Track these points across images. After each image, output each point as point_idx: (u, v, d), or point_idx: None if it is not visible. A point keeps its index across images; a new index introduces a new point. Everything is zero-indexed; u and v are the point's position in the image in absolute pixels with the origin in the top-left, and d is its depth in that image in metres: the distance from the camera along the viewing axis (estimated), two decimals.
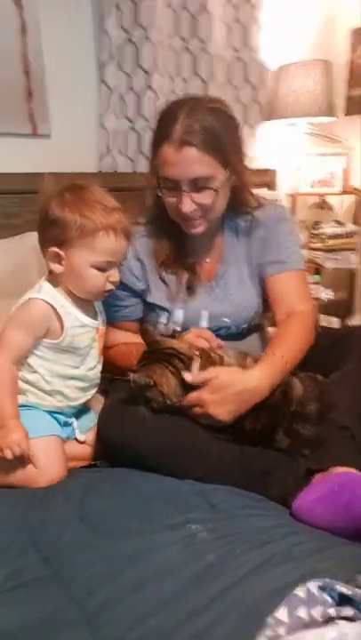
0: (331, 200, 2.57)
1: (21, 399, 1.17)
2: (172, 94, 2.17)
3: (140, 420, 1.10)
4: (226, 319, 1.36)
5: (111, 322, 1.32)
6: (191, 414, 1.11)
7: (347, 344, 1.27)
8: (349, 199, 2.59)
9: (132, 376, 1.09)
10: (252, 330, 1.42)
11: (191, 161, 1.15)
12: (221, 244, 1.37)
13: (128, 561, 0.84)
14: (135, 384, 1.10)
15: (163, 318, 1.35)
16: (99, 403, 1.29)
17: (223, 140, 1.17)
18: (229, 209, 1.30)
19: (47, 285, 1.16)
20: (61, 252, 1.11)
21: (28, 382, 1.18)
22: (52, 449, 1.15)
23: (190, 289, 1.34)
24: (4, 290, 1.64)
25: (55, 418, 1.21)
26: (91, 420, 1.28)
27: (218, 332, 1.36)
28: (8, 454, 1.06)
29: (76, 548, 0.88)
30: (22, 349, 1.15)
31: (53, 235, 1.11)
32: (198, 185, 1.18)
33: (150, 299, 1.35)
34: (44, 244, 1.14)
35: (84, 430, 1.26)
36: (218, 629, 0.72)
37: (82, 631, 0.72)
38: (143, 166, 2.11)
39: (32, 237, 1.77)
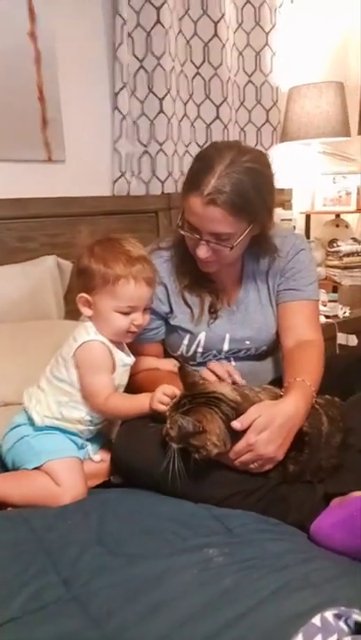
0: (346, 218, 2.57)
1: (47, 421, 1.22)
2: (185, 118, 2.21)
3: (156, 444, 1.09)
4: (247, 342, 1.36)
5: (135, 345, 1.32)
6: (237, 464, 1.07)
7: None
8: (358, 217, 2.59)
9: (179, 420, 1.02)
10: (270, 352, 1.43)
11: (215, 219, 1.15)
12: (242, 269, 1.37)
13: (145, 583, 0.84)
14: (180, 430, 1.02)
15: (185, 340, 1.36)
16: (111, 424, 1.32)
17: (253, 202, 1.15)
18: (250, 250, 1.31)
19: (91, 326, 1.22)
20: (89, 298, 1.21)
21: (60, 415, 1.23)
22: (76, 469, 1.19)
23: (213, 312, 1.35)
24: (22, 313, 1.68)
25: (73, 441, 1.25)
26: (101, 439, 1.32)
27: (237, 353, 1.37)
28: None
29: (95, 571, 0.88)
30: (112, 386, 1.22)
31: (83, 282, 1.22)
32: (217, 238, 1.19)
33: (174, 321, 1.36)
34: (77, 290, 1.24)
35: (96, 450, 1.29)
36: None
37: None
38: (156, 188, 2.15)
39: (47, 261, 1.84)
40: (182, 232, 1.24)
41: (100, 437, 1.32)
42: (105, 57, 2.01)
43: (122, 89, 2.00)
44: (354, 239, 2.50)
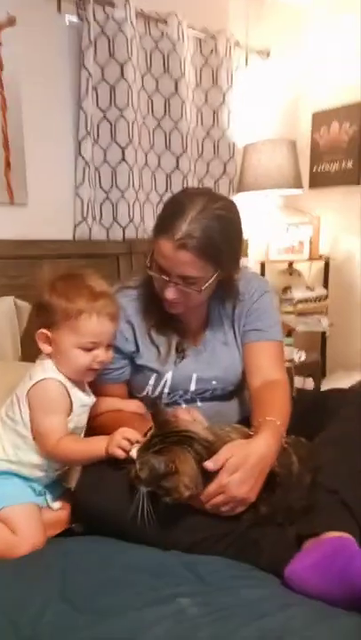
0: (299, 266, 2.66)
1: (2, 465, 1.15)
2: (146, 167, 2.27)
3: (121, 489, 1.05)
4: (214, 382, 1.36)
5: (98, 385, 1.29)
6: (208, 507, 1.04)
7: (326, 407, 1.27)
8: (317, 265, 2.69)
9: (150, 461, 0.98)
10: (236, 392, 1.42)
11: (184, 262, 1.17)
12: (208, 311, 1.39)
13: None
14: (152, 471, 0.98)
15: (151, 380, 1.34)
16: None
17: (222, 248, 1.18)
18: (215, 295, 1.32)
19: (50, 364, 1.17)
20: (49, 333, 1.16)
21: (16, 459, 1.16)
22: (33, 516, 1.12)
23: (181, 352, 1.34)
24: None
25: (31, 487, 1.18)
26: (59, 487, 1.25)
27: (204, 394, 1.36)
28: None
29: (60, 631, 0.82)
30: (65, 429, 1.15)
31: (43, 318, 1.18)
32: (186, 281, 1.20)
33: (140, 361, 1.34)
34: (36, 326, 1.19)
35: (55, 498, 1.22)
36: None
37: None
38: (117, 234, 2.17)
39: (4, 302, 1.79)
40: (151, 273, 1.24)
41: (59, 485, 1.25)
42: (70, 106, 2.07)
43: (85, 136, 2.04)
44: (307, 287, 2.59)
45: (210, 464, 1.02)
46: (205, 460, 1.02)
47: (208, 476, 1.03)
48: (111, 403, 1.33)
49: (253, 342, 1.36)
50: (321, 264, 2.68)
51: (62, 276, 1.19)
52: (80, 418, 1.21)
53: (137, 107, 2.15)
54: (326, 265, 2.68)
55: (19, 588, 0.93)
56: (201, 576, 0.96)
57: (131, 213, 2.17)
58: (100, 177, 2.15)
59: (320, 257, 2.64)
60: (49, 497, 1.20)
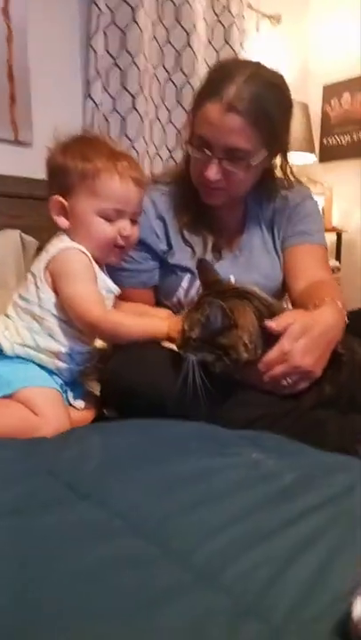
0: None
1: (18, 349, 0.98)
2: (156, 121, 2.18)
3: (165, 362, 0.89)
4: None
5: (123, 290, 1.12)
6: (266, 379, 0.88)
7: None
8: (329, 237, 2.59)
9: (206, 310, 0.82)
10: None
11: (233, 129, 1.04)
12: (245, 213, 1.26)
13: (178, 483, 0.62)
14: (206, 326, 0.82)
15: (184, 282, 1.18)
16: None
17: (274, 118, 1.05)
18: (254, 190, 1.20)
19: (68, 239, 1.01)
20: (64, 202, 1.00)
21: (33, 343, 0.99)
22: (56, 400, 0.95)
23: (218, 252, 1.20)
24: None
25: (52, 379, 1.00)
26: (80, 387, 1.08)
27: None
28: None
29: (108, 473, 0.65)
30: (101, 298, 0.98)
31: (56, 184, 1.01)
32: (232, 155, 1.07)
33: (172, 260, 1.19)
34: (49, 197, 1.02)
35: (77, 397, 1.04)
36: (322, 538, 0.50)
37: (137, 541, 0.49)
38: None
39: (10, 234, 1.65)
40: (190, 150, 1.10)
41: (80, 386, 1.08)
42: (78, 45, 1.97)
43: (95, 78, 1.95)
44: None
45: (272, 323, 0.86)
46: (266, 320, 0.86)
47: (268, 344, 0.87)
48: (138, 308, 1.16)
49: (296, 246, 1.23)
50: (333, 236, 2.59)
51: (76, 138, 1.04)
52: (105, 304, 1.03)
53: (148, 56, 2.07)
54: (338, 237, 2.59)
55: (54, 452, 0.76)
56: (267, 447, 0.78)
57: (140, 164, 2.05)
58: (108, 126, 2.04)
59: (333, 229, 2.55)
60: (70, 395, 1.03)
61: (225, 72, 1.06)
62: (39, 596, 0.43)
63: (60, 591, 0.43)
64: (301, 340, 0.87)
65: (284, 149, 1.15)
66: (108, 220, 0.99)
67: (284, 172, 1.20)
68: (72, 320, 0.98)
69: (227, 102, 1.02)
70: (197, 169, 1.12)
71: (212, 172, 1.08)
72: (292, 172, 1.22)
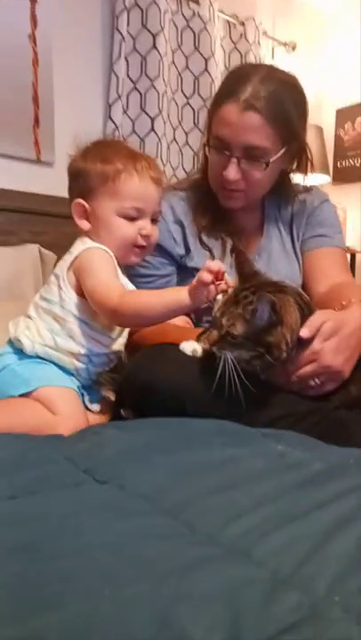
0: None
1: (38, 348, 0.99)
2: (173, 142, 2.22)
3: (187, 359, 0.88)
4: None
5: None
6: (295, 379, 0.87)
7: None
8: None
9: (254, 303, 0.77)
10: None
11: (251, 127, 1.06)
12: (262, 217, 1.26)
13: (203, 469, 0.61)
14: (251, 322, 0.78)
15: None
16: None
17: (291, 115, 1.08)
18: (272, 193, 1.21)
19: (90, 240, 1.02)
20: (85, 204, 1.01)
21: (53, 344, 0.99)
22: (73, 399, 0.95)
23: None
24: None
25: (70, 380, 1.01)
26: (96, 393, 1.08)
27: None
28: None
29: (129, 460, 0.64)
30: (122, 287, 0.98)
31: (77, 188, 1.03)
32: (250, 154, 1.08)
33: (191, 263, 1.19)
34: (71, 201, 1.04)
35: (94, 401, 1.04)
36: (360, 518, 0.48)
37: (161, 519, 0.47)
38: None
39: (30, 249, 1.68)
40: (208, 153, 1.12)
41: (96, 391, 1.07)
42: (100, 70, 2.04)
43: (116, 100, 2.00)
44: None
45: (305, 330, 0.84)
46: (306, 319, 0.85)
47: (299, 345, 0.85)
48: None
49: (316, 249, 1.23)
50: (348, 257, 2.58)
51: (96, 142, 1.06)
52: None
53: (167, 80, 2.13)
54: (353, 258, 2.58)
55: (69, 441, 0.76)
56: (292, 443, 0.76)
57: None
58: None
59: (347, 250, 2.54)
60: (87, 398, 1.02)
61: (241, 74, 1.09)
62: (62, 566, 0.42)
63: (82, 561, 0.42)
64: (332, 340, 0.86)
65: (301, 147, 1.15)
66: (129, 219, 1.01)
67: (305, 168, 1.20)
68: (93, 320, 0.98)
69: (244, 101, 1.04)
70: (216, 171, 1.13)
71: (232, 173, 1.09)
72: (312, 166, 1.21)
